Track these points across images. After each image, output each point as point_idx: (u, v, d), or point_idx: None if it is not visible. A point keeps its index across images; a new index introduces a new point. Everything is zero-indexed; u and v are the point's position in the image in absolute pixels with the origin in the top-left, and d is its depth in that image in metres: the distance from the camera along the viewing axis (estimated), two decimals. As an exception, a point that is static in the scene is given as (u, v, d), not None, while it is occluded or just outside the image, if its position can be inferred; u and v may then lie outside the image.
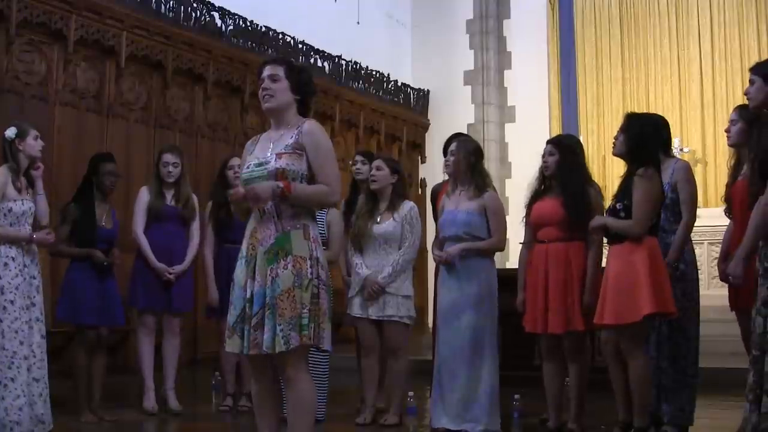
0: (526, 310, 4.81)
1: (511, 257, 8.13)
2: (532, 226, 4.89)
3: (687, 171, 4.71)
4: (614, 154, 4.67)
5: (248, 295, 3.24)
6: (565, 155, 4.84)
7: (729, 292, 4.43)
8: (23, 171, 4.73)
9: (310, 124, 3.39)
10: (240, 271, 3.31)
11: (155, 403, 5.64)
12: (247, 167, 3.37)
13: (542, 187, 4.91)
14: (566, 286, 4.67)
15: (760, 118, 4.21)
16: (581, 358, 4.75)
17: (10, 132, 4.69)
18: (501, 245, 4.89)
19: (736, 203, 4.43)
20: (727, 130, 4.54)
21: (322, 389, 5.17)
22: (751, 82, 3.82)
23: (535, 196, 4.91)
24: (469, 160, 4.86)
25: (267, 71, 3.39)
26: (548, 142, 5.00)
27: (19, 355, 4.50)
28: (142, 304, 5.70)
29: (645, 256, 4.19)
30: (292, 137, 3.34)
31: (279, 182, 3.24)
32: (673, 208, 4.59)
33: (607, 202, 4.58)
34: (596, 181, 5.11)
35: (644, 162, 4.31)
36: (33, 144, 4.74)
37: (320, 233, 5.12)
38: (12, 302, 4.51)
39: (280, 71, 3.38)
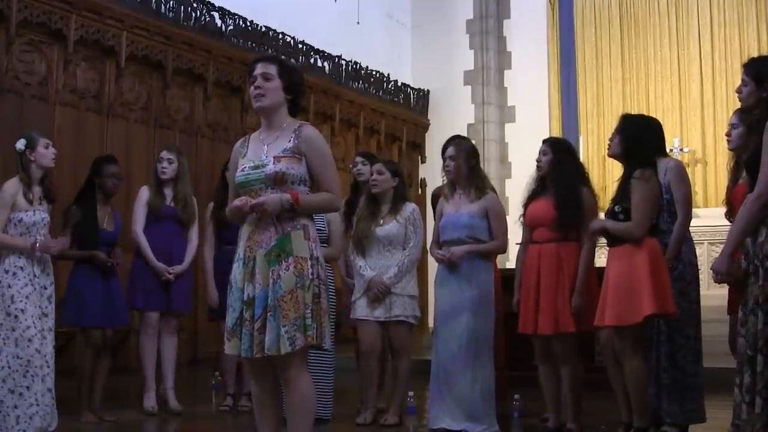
0: (520, 310, 4.82)
1: (512, 257, 8.13)
2: (528, 226, 4.90)
3: (679, 170, 4.70)
4: (609, 155, 4.66)
5: (246, 297, 3.22)
6: (558, 155, 4.84)
7: (729, 294, 4.43)
8: (37, 182, 4.74)
9: (309, 129, 3.36)
10: (237, 274, 3.28)
11: (155, 402, 5.64)
12: (242, 170, 3.33)
13: (538, 187, 4.91)
14: (557, 287, 4.67)
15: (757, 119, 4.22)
16: (571, 359, 4.74)
17: (20, 144, 4.70)
18: (504, 247, 4.90)
19: (736, 207, 4.42)
20: (728, 134, 4.53)
21: (328, 389, 5.20)
22: (744, 82, 3.80)
23: (531, 197, 4.91)
24: (470, 163, 4.88)
25: (259, 69, 3.34)
26: (544, 142, 5.01)
27: (35, 364, 4.51)
28: (141, 304, 5.70)
29: (646, 257, 4.18)
30: (290, 141, 3.30)
31: (287, 195, 3.21)
32: (669, 208, 4.58)
33: (607, 204, 4.56)
34: (595, 181, 5.11)
35: (641, 163, 4.30)
36: (44, 153, 4.74)
37: (320, 230, 5.17)
38: (23, 311, 4.53)
39: (272, 70, 3.34)
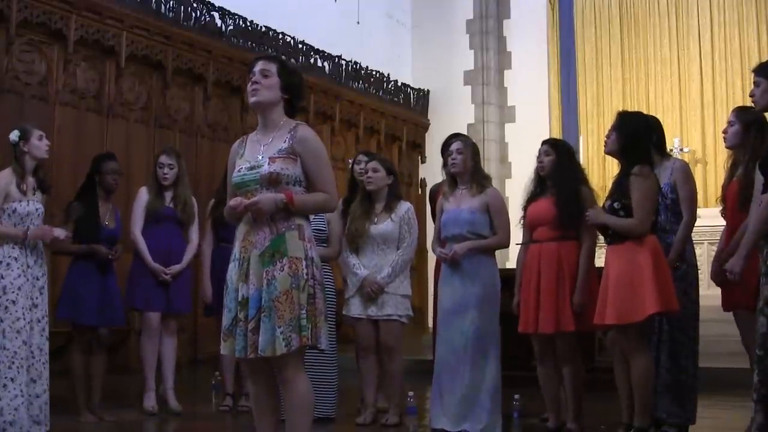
0: (520, 310, 4.82)
1: (512, 257, 8.12)
2: (528, 226, 4.89)
3: (685, 170, 4.72)
4: (606, 153, 4.67)
5: (240, 298, 3.23)
6: (561, 156, 4.84)
7: (722, 293, 4.44)
8: (30, 173, 4.76)
9: (304, 130, 3.36)
10: (233, 274, 3.29)
11: (155, 402, 5.65)
12: (239, 171, 3.33)
13: (538, 188, 4.91)
14: (558, 286, 4.66)
15: (761, 120, 4.23)
16: (574, 358, 4.74)
17: (14, 135, 4.73)
18: (507, 242, 4.87)
19: (729, 204, 4.44)
20: (725, 132, 4.54)
21: (332, 388, 5.21)
22: (756, 84, 3.82)
23: (531, 198, 4.91)
24: (476, 159, 4.88)
25: (259, 66, 3.35)
26: (544, 143, 5.00)
27: (20, 356, 4.51)
28: (141, 305, 5.72)
29: (649, 255, 4.17)
30: (285, 141, 3.31)
31: (282, 195, 3.21)
32: (674, 208, 4.59)
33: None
34: (595, 181, 5.12)
35: (638, 160, 4.30)
36: (37, 144, 4.76)
37: (321, 230, 5.18)
38: (14, 302, 4.53)
39: (272, 68, 3.35)
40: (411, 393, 5.48)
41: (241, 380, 5.82)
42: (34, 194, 4.75)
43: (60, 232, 4.80)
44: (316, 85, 10.48)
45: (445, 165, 4.97)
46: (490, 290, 4.76)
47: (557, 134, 11.08)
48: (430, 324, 6.21)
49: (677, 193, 4.59)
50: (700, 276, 4.78)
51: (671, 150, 9.84)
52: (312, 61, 10.77)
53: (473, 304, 4.70)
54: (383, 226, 5.19)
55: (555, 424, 4.81)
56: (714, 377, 5.16)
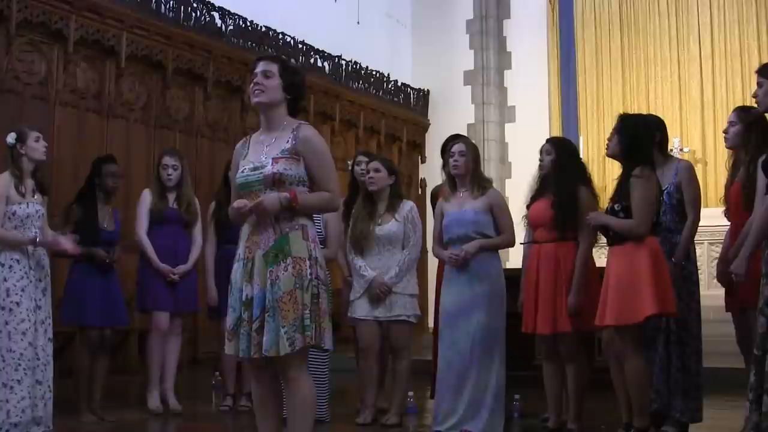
0: (523, 310, 4.82)
1: (512, 258, 8.13)
2: (530, 227, 4.89)
3: (690, 171, 4.73)
4: (608, 155, 4.67)
5: (245, 298, 3.23)
6: (561, 155, 4.84)
7: (726, 293, 4.44)
8: (29, 175, 4.76)
9: (307, 130, 3.36)
10: (237, 274, 3.30)
11: (159, 402, 5.65)
12: (242, 172, 3.34)
13: (540, 188, 4.91)
14: (555, 287, 4.66)
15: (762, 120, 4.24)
16: (577, 358, 4.74)
17: (10, 138, 4.72)
18: (513, 241, 4.86)
19: (731, 204, 4.45)
20: (725, 132, 4.55)
21: (323, 389, 5.18)
22: (759, 84, 3.83)
23: (534, 197, 4.91)
24: (477, 161, 4.88)
25: (261, 67, 3.36)
26: (546, 141, 5.01)
27: (27, 357, 4.52)
28: (149, 305, 5.72)
29: (647, 256, 4.17)
30: (288, 141, 3.31)
31: (286, 194, 3.22)
32: (679, 208, 4.60)
33: (606, 204, 4.56)
34: (595, 182, 5.11)
35: (640, 162, 4.30)
36: (34, 146, 4.75)
37: (317, 232, 5.16)
38: (18, 304, 4.54)
39: (274, 68, 3.36)
40: (411, 393, 5.48)
41: (241, 380, 5.82)
42: (33, 196, 4.75)
43: (72, 249, 4.79)
44: (316, 85, 10.48)
45: (444, 166, 4.96)
46: (496, 288, 4.74)
47: (557, 134, 11.07)
48: (431, 324, 6.19)
49: (682, 194, 4.61)
50: (700, 276, 4.80)
51: (671, 150, 9.86)
52: (312, 61, 10.77)
53: (481, 303, 4.67)
54: (388, 226, 5.18)
55: (555, 423, 4.80)
56: (715, 377, 5.15)
